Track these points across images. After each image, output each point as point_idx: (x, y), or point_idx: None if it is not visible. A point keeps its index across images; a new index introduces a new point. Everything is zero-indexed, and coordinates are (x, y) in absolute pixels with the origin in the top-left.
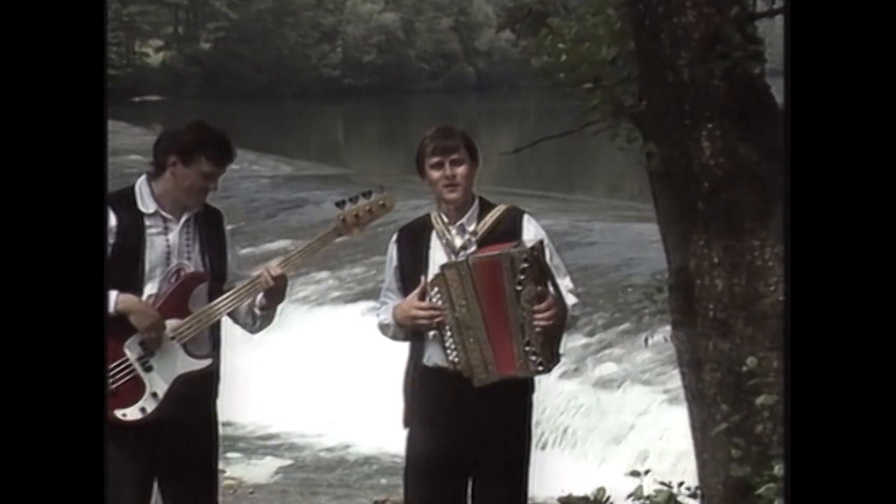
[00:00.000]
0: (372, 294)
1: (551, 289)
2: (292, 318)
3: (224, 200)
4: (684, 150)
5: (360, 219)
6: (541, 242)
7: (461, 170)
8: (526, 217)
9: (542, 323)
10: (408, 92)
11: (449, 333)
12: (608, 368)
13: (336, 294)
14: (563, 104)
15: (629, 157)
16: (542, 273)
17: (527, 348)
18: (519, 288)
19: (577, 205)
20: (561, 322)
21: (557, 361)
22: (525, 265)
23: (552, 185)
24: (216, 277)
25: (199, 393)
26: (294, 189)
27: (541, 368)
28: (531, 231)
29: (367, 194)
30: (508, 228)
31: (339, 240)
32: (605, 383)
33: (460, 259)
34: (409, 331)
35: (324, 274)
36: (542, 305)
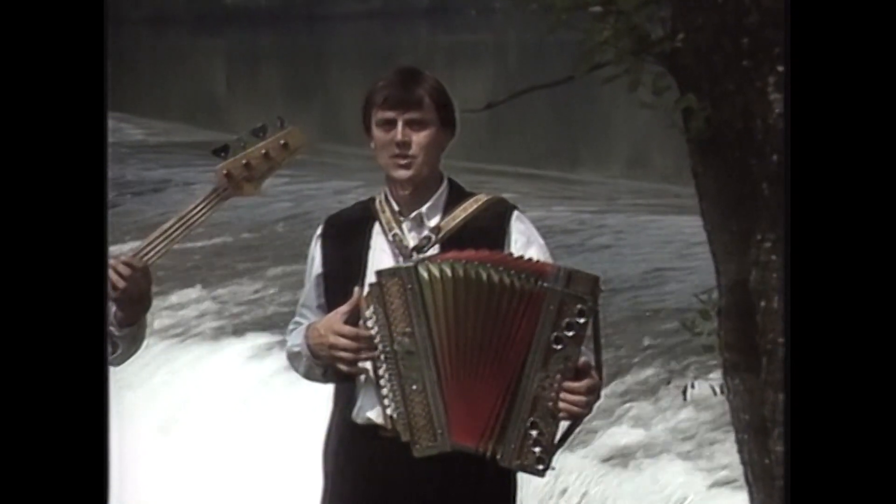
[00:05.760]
0: (272, 324)
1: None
2: (145, 361)
3: None
4: (742, 106)
5: (253, 169)
6: (596, 282)
7: (421, 136)
8: (516, 215)
9: (570, 408)
10: (324, 18)
11: (386, 375)
12: (629, 435)
13: (214, 324)
14: (559, 38)
15: (657, 118)
16: (589, 333)
17: (531, 432)
18: (557, 347)
19: (580, 188)
20: (588, 411)
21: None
22: (579, 320)
23: (543, 158)
24: None
25: None
26: (150, 164)
27: (540, 467)
28: (523, 235)
29: (259, 131)
30: (487, 228)
31: (222, 238)
32: (624, 456)
33: (408, 264)
34: (329, 367)
35: (194, 292)
36: (582, 385)
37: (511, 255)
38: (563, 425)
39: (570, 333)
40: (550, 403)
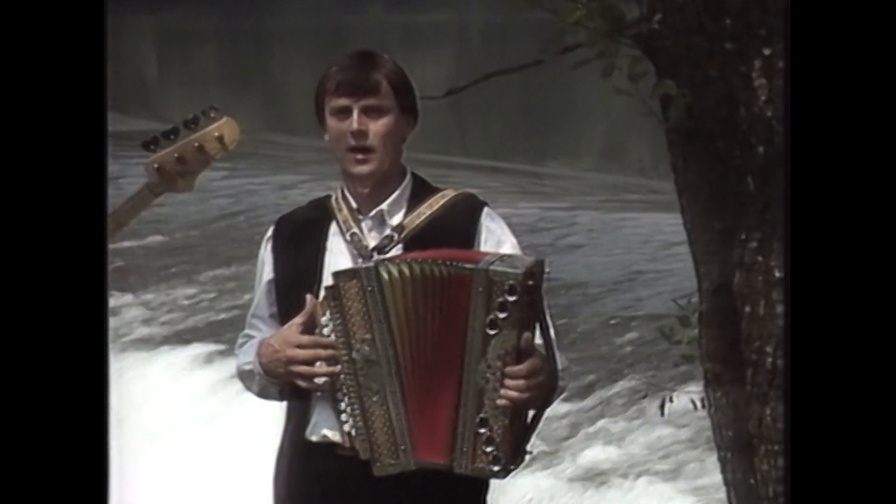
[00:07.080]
0: (208, 332)
1: (538, 340)
2: None
3: None
4: (725, 93)
5: (186, 163)
6: (541, 264)
7: (379, 125)
8: (486, 212)
9: (513, 395)
10: None
11: (343, 387)
12: (601, 453)
13: (145, 332)
14: (525, 18)
15: (634, 105)
16: (530, 314)
17: (480, 430)
18: (491, 332)
19: (550, 183)
20: (544, 399)
21: (521, 461)
22: (511, 298)
23: (508, 150)
24: None
25: None
26: None
27: (496, 469)
28: (493, 234)
29: (191, 123)
30: (455, 226)
31: (153, 238)
32: (596, 477)
33: (368, 264)
34: (286, 384)
35: (121, 297)
36: (522, 368)
37: (514, 261)
38: (529, 418)
39: (503, 315)
40: (495, 395)
